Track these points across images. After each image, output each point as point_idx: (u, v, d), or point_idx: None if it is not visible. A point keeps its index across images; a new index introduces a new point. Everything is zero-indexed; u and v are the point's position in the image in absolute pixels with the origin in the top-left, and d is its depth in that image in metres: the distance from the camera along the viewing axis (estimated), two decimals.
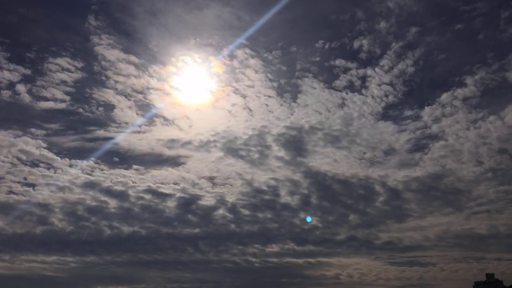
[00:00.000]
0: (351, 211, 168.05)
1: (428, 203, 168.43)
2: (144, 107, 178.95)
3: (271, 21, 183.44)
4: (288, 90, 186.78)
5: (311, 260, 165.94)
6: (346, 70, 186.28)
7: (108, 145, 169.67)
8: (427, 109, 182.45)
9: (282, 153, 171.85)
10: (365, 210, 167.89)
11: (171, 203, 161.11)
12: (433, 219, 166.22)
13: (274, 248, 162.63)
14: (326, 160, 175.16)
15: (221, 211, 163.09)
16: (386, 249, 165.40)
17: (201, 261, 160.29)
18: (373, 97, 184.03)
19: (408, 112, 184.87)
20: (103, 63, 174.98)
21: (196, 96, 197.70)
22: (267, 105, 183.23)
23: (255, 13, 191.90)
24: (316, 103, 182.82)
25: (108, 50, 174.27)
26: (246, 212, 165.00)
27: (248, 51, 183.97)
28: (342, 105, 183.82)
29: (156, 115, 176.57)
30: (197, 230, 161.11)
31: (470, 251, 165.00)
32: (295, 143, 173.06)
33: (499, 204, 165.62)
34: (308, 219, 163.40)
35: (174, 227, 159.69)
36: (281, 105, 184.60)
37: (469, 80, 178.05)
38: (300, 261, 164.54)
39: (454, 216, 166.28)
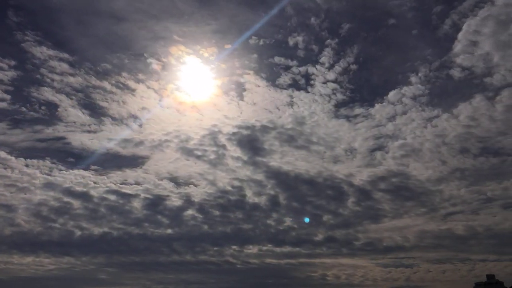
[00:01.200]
0: (324, 212, 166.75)
1: (400, 204, 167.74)
2: (88, 106, 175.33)
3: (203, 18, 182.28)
4: (232, 88, 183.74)
5: (293, 261, 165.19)
6: (287, 68, 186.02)
7: (59, 145, 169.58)
8: (377, 106, 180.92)
9: (238, 153, 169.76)
10: (338, 210, 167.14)
11: (137, 204, 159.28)
12: (409, 220, 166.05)
13: (252, 249, 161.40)
14: (286, 159, 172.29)
15: (190, 212, 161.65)
16: (367, 250, 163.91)
17: (182, 262, 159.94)
18: (321, 95, 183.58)
19: (358, 110, 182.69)
20: (33, 60, 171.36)
21: (140, 94, 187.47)
22: (214, 104, 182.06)
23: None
24: (263, 101, 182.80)
25: (36, 47, 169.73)
26: (216, 212, 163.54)
27: (183, 48, 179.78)
28: (291, 104, 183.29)
29: (103, 114, 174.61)
30: (169, 231, 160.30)
31: (453, 252, 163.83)
32: (250, 143, 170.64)
33: (474, 204, 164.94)
34: (306, 220, 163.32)
35: (145, 228, 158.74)
36: (228, 103, 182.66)
37: (413, 78, 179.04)
38: (282, 262, 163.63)
39: (430, 216, 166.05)
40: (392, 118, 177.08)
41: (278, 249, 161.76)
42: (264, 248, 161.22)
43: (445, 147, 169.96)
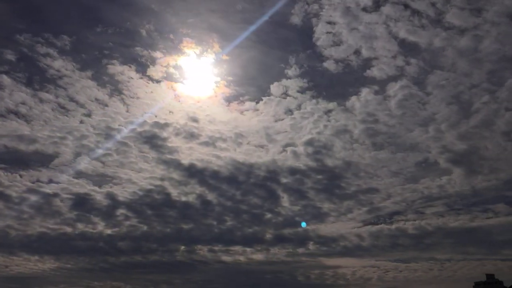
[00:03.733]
0: (261, 210, 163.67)
1: (339, 202, 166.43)
2: None
3: None
4: (106, 81, 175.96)
5: (254, 260, 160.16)
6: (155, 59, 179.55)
7: None
8: (265, 99, 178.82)
9: (145, 150, 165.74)
10: (275, 209, 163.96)
11: (62, 203, 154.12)
12: (353, 217, 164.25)
13: (202, 248, 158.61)
14: (195, 155, 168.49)
15: (122, 211, 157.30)
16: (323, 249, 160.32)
17: (133, 263, 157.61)
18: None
19: (250, 104, 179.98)
20: None
21: None
22: (97, 99, 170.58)
23: None
24: (145, 95, 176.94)
25: None
26: (148, 212, 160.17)
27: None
28: (176, 96, 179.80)
29: None
30: (109, 232, 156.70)
31: (421, 252, 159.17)
32: (151, 139, 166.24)
33: (417, 203, 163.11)
34: (303, 224, 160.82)
35: (81, 228, 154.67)
36: (114, 101, 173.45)
37: (290, 72, 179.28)
38: (242, 261, 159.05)
39: (375, 215, 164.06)
40: (289, 111, 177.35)
41: (237, 248, 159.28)
42: (216, 248, 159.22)
43: (356, 143, 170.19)
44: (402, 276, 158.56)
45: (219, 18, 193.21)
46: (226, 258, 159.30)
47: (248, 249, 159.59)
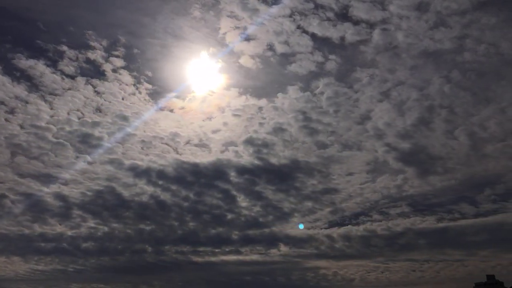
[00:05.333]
0: (221, 210, 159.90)
1: (299, 203, 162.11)
2: None
3: None
4: (17, 76, 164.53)
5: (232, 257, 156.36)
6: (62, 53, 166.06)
7: None
8: (189, 96, 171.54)
9: (82, 150, 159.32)
10: (235, 210, 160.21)
11: (13, 205, 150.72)
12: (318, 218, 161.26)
13: (170, 249, 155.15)
14: (135, 155, 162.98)
15: (77, 212, 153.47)
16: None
17: (102, 264, 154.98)
18: (127, 84, 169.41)
19: (178, 101, 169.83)
20: None
21: None
22: (17, 97, 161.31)
23: None
24: (63, 92, 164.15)
25: None
26: (105, 213, 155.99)
27: None
28: (98, 93, 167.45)
29: None
30: (70, 233, 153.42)
31: (397, 253, 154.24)
32: (86, 139, 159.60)
33: (381, 204, 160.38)
34: (300, 226, 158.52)
35: (35, 229, 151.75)
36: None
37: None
38: (214, 261, 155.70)
39: (340, 216, 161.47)
40: (220, 109, 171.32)
41: (205, 249, 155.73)
42: (184, 249, 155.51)
43: (297, 142, 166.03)
44: (384, 277, 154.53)
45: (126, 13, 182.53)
46: (197, 259, 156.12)
47: (217, 250, 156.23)
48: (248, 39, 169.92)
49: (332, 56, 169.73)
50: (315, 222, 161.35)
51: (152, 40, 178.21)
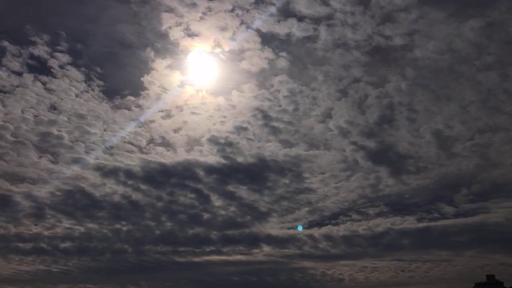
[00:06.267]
0: (197, 210, 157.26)
1: (274, 202, 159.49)
2: None
3: None
4: None
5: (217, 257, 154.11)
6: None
7: None
8: (143, 94, 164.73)
9: (44, 149, 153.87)
10: (211, 210, 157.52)
11: None
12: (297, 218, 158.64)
13: (151, 249, 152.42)
14: (94, 152, 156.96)
15: (51, 212, 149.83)
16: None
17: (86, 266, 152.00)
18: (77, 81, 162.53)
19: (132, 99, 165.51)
20: None
21: None
22: None
23: None
24: (12, 89, 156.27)
25: None
26: (78, 213, 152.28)
27: None
28: (49, 90, 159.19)
29: None
30: (46, 233, 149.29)
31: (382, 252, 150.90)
32: (45, 137, 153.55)
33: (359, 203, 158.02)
34: (299, 227, 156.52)
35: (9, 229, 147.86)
36: None
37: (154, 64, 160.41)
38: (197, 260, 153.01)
39: (318, 216, 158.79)
40: (177, 107, 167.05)
41: (186, 249, 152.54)
42: (165, 249, 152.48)
43: (261, 141, 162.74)
44: (373, 277, 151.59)
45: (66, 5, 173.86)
46: (179, 259, 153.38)
47: (198, 250, 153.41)
48: (191, 35, 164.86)
49: (282, 53, 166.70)
50: (294, 222, 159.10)
51: (96, 34, 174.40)
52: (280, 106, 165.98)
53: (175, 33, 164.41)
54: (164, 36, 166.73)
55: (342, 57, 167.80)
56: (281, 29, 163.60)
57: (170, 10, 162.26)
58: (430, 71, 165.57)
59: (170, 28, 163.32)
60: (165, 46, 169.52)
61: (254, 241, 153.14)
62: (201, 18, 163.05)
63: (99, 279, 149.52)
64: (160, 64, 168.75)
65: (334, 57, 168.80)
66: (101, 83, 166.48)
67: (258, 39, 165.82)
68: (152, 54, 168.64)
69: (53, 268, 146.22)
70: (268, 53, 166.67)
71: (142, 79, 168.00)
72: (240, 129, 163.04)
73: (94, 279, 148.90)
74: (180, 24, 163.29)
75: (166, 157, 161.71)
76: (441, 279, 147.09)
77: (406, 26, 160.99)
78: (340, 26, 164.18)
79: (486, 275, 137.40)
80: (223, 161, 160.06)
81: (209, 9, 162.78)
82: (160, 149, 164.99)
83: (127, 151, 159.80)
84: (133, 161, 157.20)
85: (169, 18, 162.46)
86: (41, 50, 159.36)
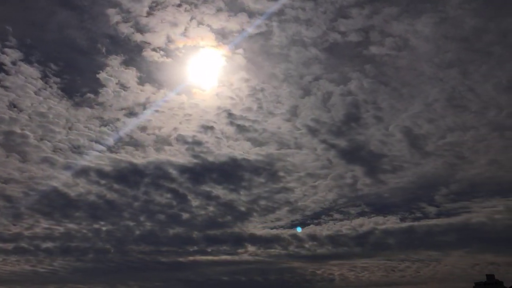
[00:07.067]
0: (176, 210, 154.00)
1: (253, 202, 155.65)
2: None
3: None
4: None
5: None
6: None
7: None
8: (91, 96, 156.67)
9: (10, 148, 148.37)
10: (190, 210, 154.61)
11: None
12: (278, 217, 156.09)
13: (136, 249, 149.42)
14: (63, 151, 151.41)
15: (27, 212, 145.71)
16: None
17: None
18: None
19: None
20: None
21: None
22: None
23: None
24: None
25: None
26: (57, 214, 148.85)
27: None
28: (6, 88, 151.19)
29: None
30: (27, 233, 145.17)
31: (370, 251, 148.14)
32: (9, 136, 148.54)
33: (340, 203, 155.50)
34: (298, 229, 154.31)
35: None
36: None
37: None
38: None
39: (300, 215, 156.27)
40: (139, 105, 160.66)
41: (169, 249, 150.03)
42: (147, 248, 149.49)
43: (230, 140, 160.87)
44: (364, 277, 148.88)
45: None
46: (163, 259, 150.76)
47: (180, 250, 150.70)
48: (141, 30, 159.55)
49: (239, 50, 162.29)
50: (276, 222, 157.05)
51: (45, 30, 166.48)
52: (244, 104, 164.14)
53: (124, 29, 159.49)
54: (112, 31, 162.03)
55: (300, 54, 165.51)
56: (233, 25, 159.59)
57: (115, 5, 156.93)
58: (390, 68, 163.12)
59: (117, 23, 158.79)
60: (116, 42, 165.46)
61: (238, 241, 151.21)
62: (148, 13, 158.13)
63: (87, 279, 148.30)
64: (114, 60, 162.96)
65: (291, 54, 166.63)
66: (58, 80, 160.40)
67: (212, 35, 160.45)
68: (103, 49, 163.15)
69: (39, 269, 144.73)
70: (224, 50, 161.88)
71: (98, 75, 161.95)
72: (206, 128, 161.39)
73: (83, 280, 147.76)
74: (128, 19, 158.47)
75: (136, 157, 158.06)
76: (433, 279, 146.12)
77: (361, 22, 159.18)
78: (293, 22, 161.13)
79: (486, 275, 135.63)
80: (194, 160, 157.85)
81: (156, 3, 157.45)
82: (129, 148, 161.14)
83: (96, 151, 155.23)
84: (103, 160, 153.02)
85: (114, 13, 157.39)
86: None
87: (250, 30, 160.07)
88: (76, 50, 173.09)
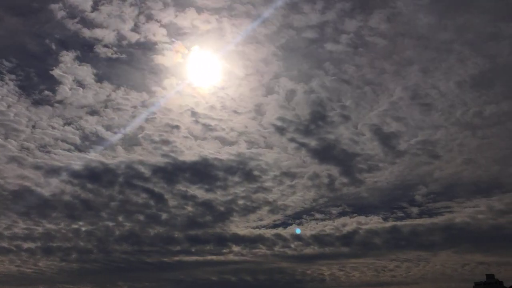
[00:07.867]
0: (155, 210, 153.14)
1: (232, 202, 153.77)
2: None
3: None
4: None
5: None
6: None
7: None
8: (48, 93, 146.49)
9: None
10: (169, 210, 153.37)
11: None
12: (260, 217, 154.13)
13: (119, 249, 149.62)
14: (30, 150, 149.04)
15: (4, 211, 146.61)
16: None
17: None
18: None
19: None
20: None
21: None
22: None
23: None
24: None
25: None
26: (32, 213, 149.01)
27: None
28: None
29: None
30: (6, 233, 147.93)
31: (359, 251, 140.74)
32: None
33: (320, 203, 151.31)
34: (297, 230, 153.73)
35: None
36: None
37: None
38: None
39: (282, 215, 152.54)
40: (100, 103, 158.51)
41: (151, 249, 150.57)
42: (130, 248, 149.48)
43: (198, 139, 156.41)
44: (355, 277, 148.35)
45: None
46: (147, 259, 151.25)
47: (164, 250, 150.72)
48: (88, 26, 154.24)
49: (194, 47, 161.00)
50: (259, 221, 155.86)
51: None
52: (207, 103, 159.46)
53: (71, 25, 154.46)
54: (59, 27, 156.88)
55: (257, 51, 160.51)
56: (183, 21, 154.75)
57: (57, 0, 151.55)
58: (350, 66, 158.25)
59: (62, 19, 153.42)
60: (64, 38, 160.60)
61: (221, 240, 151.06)
62: (93, 8, 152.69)
63: (75, 280, 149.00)
64: (66, 57, 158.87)
65: (248, 51, 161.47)
66: (13, 77, 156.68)
67: (164, 31, 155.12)
68: (52, 45, 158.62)
69: (25, 269, 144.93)
70: (179, 46, 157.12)
71: (51, 72, 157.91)
72: (172, 127, 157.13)
73: (72, 280, 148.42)
74: (73, 15, 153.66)
75: (106, 156, 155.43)
76: (424, 279, 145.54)
77: (315, 18, 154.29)
78: (244, 18, 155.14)
79: (486, 275, 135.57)
80: (165, 160, 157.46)
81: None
82: (97, 147, 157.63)
83: (64, 149, 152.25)
84: (72, 159, 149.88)
85: (58, 9, 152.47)
86: None
87: (201, 26, 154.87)
88: (26, 49, 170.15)
